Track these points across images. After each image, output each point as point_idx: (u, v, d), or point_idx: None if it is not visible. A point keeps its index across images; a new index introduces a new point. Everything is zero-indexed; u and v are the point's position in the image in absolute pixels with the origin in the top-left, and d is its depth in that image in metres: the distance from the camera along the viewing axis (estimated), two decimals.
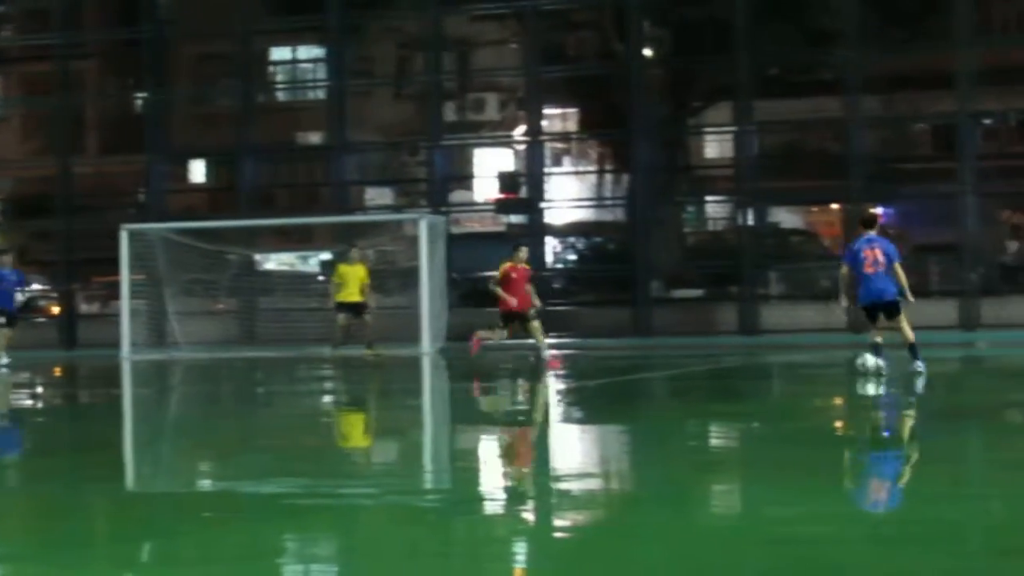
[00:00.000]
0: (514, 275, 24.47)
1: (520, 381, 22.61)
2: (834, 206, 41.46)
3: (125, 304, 30.68)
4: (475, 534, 8.14)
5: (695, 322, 32.60)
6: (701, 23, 35.16)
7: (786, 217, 43.91)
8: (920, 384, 17.64)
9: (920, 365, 18.28)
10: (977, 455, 11.65)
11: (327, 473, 10.92)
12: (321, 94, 39.77)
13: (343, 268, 27.83)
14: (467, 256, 36.29)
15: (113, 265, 31.49)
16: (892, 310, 18.51)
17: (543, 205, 34.47)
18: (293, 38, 43.37)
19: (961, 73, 31.98)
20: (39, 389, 23.11)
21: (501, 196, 36.34)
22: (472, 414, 16.79)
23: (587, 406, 17.40)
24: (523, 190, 35.41)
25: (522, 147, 36.72)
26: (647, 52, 35.02)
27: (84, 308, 39.41)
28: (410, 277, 29.47)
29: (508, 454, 12.42)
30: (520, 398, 19.72)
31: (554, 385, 20.73)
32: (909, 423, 14.40)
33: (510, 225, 37.53)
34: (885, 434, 13.44)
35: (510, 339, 25.23)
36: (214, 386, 23.43)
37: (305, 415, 17.15)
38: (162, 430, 15.67)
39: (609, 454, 12.25)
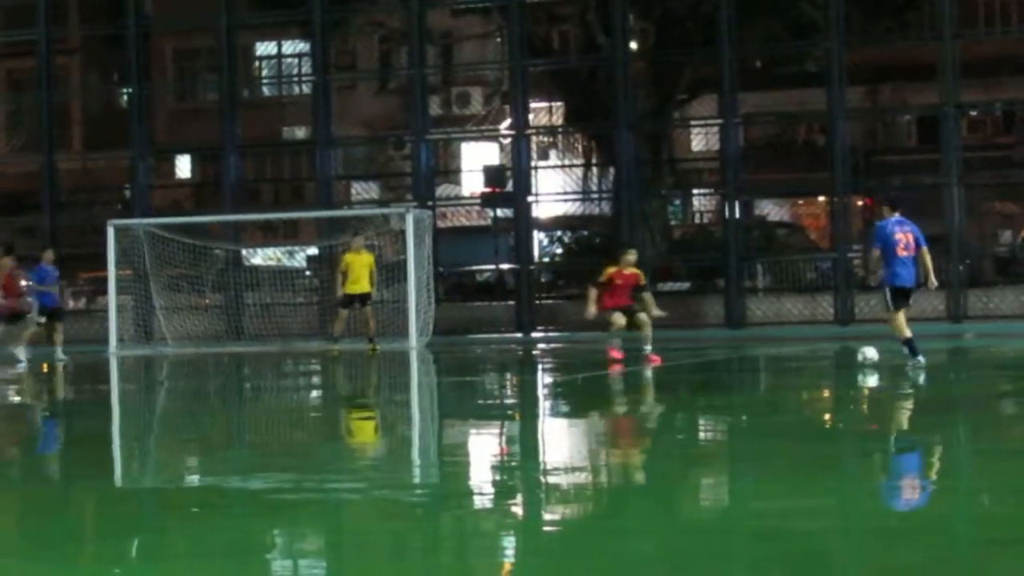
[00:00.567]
0: (619, 281, 21.36)
1: (509, 374, 22.61)
2: (820, 198, 41.55)
3: (112, 300, 30.66)
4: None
5: (681, 315, 32.59)
6: (686, 16, 35.16)
7: (772, 210, 44.00)
8: (917, 376, 17.56)
9: (921, 359, 18.09)
10: (967, 446, 11.65)
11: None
12: (305, 88, 39.74)
13: (349, 257, 27.69)
14: (453, 250, 36.28)
15: (99, 261, 31.44)
16: (909, 297, 18.45)
17: (528, 199, 34.45)
18: (276, 33, 43.35)
19: (945, 64, 32.00)
20: (26, 385, 23.04)
21: (486, 190, 36.29)
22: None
23: (571, 400, 17.39)
24: (508, 184, 35.37)
25: (507, 141, 36.70)
26: (632, 45, 35.00)
27: (70, 304, 39.31)
28: (396, 272, 29.44)
29: (490, 447, 12.42)
30: (510, 392, 19.73)
31: (543, 379, 20.72)
32: (900, 415, 14.41)
33: (495, 219, 37.52)
34: (873, 426, 13.43)
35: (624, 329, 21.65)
36: (201, 382, 23.40)
37: (299, 410, 17.12)
38: (149, 426, 15.63)
39: (600, 447, 12.24)
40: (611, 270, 21.40)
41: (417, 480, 10.34)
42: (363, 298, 27.36)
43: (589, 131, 38.32)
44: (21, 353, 26.36)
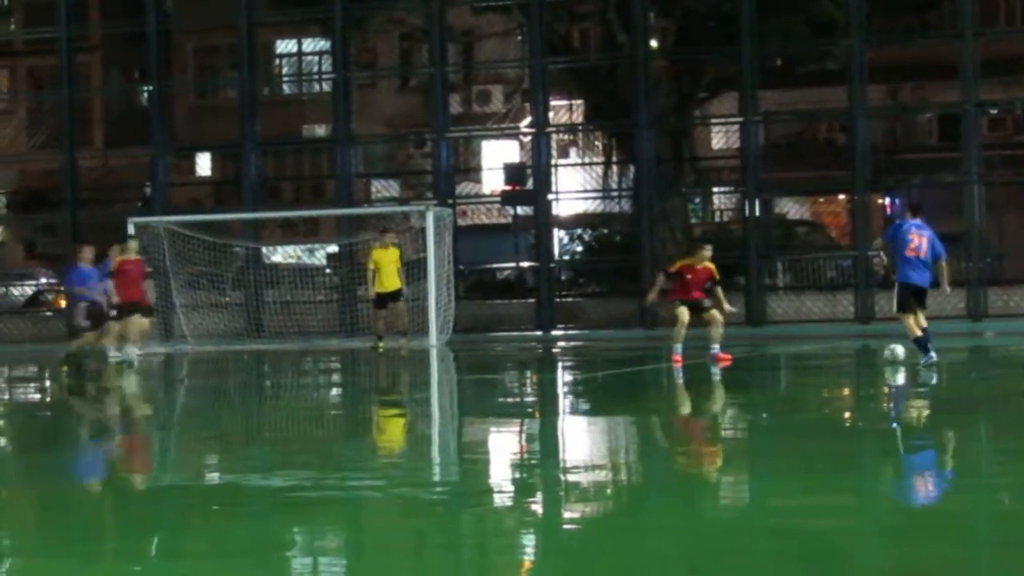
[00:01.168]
0: (688, 275, 20.51)
1: (518, 371, 22.60)
2: (840, 196, 41.46)
3: None
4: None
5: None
6: (706, 14, 35.10)
7: (792, 208, 43.91)
8: (930, 374, 17.54)
9: (933, 356, 18.09)
10: (988, 445, 11.63)
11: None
12: (326, 86, 39.75)
13: (377, 253, 27.64)
14: (473, 248, 36.29)
15: None
16: (924, 298, 18.42)
17: (549, 197, 34.43)
18: (297, 30, 43.37)
19: (966, 63, 31.91)
20: (45, 383, 23.11)
21: (507, 188, 36.26)
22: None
23: (594, 398, 17.39)
24: (529, 182, 35.33)
25: (527, 139, 36.66)
26: (652, 43, 34.96)
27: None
28: (416, 269, 29.45)
29: (509, 445, 12.42)
30: (529, 390, 19.73)
31: (562, 377, 20.71)
32: (922, 413, 14.39)
33: (516, 217, 37.50)
34: (893, 426, 13.41)
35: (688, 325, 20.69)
36: (221, 379, 23.44)
37: (319, 408, 17.14)
38: (170, 424, 15.66)
39: (619, 445, 12.24)
40: (681, 263, 20.89)
41: (437, 478, 10.35)
42: (395, 295, 27.42)
43: (609, 129, 38.27)
44: (130, 352, 24.54)
